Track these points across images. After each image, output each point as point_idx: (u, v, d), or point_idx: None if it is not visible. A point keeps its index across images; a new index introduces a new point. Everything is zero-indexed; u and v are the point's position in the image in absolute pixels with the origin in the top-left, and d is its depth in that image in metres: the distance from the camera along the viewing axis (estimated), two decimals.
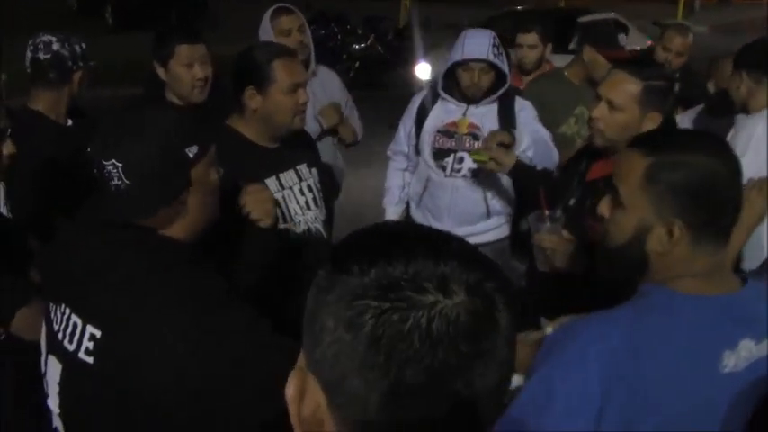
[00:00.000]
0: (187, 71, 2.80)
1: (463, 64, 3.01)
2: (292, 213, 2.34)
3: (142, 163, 1.37)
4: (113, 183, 1.38)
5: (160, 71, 2.86)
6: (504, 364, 0.67)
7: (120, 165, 1.37)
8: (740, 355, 1.24)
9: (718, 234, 1.29)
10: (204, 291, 1.39)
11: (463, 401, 0.64)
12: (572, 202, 2.32)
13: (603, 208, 1.41)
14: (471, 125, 3.10)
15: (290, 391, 0.69)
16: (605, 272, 1.44)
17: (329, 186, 2.76)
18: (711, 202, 1.27)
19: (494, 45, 3.00)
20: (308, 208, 2.39)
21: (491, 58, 2.98)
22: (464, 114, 3.12)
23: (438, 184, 3.17)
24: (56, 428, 1.48)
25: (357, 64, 10.90)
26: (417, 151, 3.26)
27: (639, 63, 2.34)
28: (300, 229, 2.36)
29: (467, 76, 3.03)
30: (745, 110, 2.94)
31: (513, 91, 3.22)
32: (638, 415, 1.22)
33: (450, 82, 3.14)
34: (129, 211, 1.41)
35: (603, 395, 1.22)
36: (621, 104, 2.15)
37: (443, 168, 3.14)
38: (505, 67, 3.08)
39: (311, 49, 3.31)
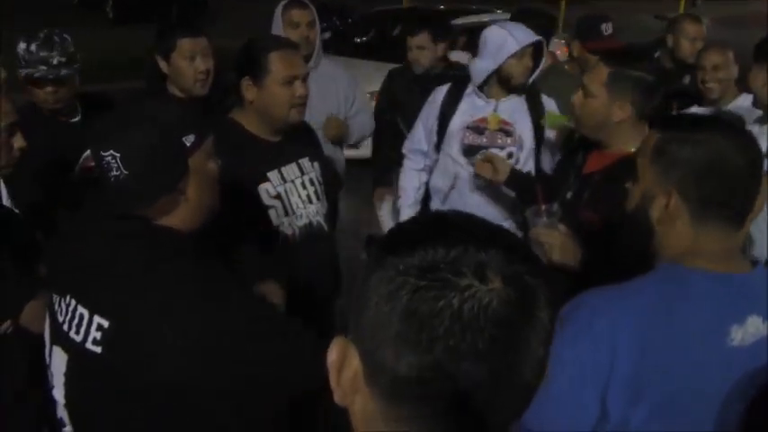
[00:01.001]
0: (189, 64, 2.81)
1: (516, 54, 2.91)
2: (294, 207, 2.34)
3: (140, 152, 1.37)
4: (112, 174, 1.38)
5: (162, 64, 2.86)
6: (537, 359, 0.68)
7: (119, 155, 1.36)
8: (747, 331, 1.28)
9: (729, 218, 1.32)
10: (205, 284, 1.39)
11: (486, 389, 0.66)
12: (569, 195, 2.33)
13: (629, 184, 1.48)
14: (503, 121, 3.03)
15: (333, 356, 0.73)
16: (627, 243, 1.50)
17: (332, 180, 2.76)
18: (715, 181, 1.30)
19: None
20: (310, 201, 2.40)
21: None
22: (495, 110, 3.04)
23: (469, 182, 3.08)
24: (60, 419, 1.48)
25: None
26: (437, 149, 3.17)
27: (626, 55, 2.37)
28: (302, 222, 2.36)
29: (521, 65, 2.94)
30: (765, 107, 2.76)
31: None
32: (646, 385, 1.25)
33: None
34: (130, 202, 1.41)
35: (612, 364, 1.25)
36: (593, 90, 2.21)
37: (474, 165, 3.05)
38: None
39: (315, 47, 3.30)
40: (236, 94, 2.30)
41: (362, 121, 3.60)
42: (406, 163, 3.34)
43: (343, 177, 3.68)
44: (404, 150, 3.35)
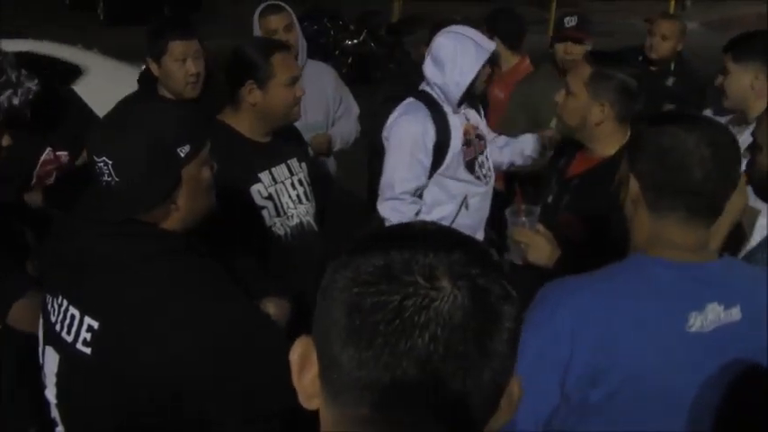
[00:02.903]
0: (180, 67, 2.79)
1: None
2: (285, 207, 2.36)
3: (131, 162, 1.38)
4: (104, 179, 1.39)
5: (153, 67, 2.85)
6: (495, 369, 0.67)
7: (111, 162, 1.37)
8: (707, 317, 1.31)
9: (693, 209, 1.34)
10: (199, 282, 1.40)
11: (429, 389, 0.65)
12: (550, 199, 2.36)
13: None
14: (474, 127, 2.99)
15: (294, 356, 0.73)
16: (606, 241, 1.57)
17: (319, 180, 2.76)
18: (671, 170, 1.33)
19: None
20: (300, 201, 2.42)
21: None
22: (467, 119, 2.96)
23: (480, 196, 2.98)
24: (53, 419, 1.49)
25: (350, 60, 10.89)
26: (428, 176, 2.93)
27: (612, 56, 2.35)
28: (293, 222, 2.38)
29: (484, 72, 2.84)
30: (745, 109, 2.62)
31: None
32: (604, 370, 1.29)
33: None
34: (121, 207, 1.41)
35: (571, 352, 1.28)
36: (574, 89, 2.22)
37: (479, 178, 2.97)
38: None
39: (299, 48, 3.29)
40: (231, 96, 2.31)
41: (346, 126, 3.55)
42: (409, 207, 2.86)
43: (333, 178, 3.69)
44: (394, 202, 2.86)
